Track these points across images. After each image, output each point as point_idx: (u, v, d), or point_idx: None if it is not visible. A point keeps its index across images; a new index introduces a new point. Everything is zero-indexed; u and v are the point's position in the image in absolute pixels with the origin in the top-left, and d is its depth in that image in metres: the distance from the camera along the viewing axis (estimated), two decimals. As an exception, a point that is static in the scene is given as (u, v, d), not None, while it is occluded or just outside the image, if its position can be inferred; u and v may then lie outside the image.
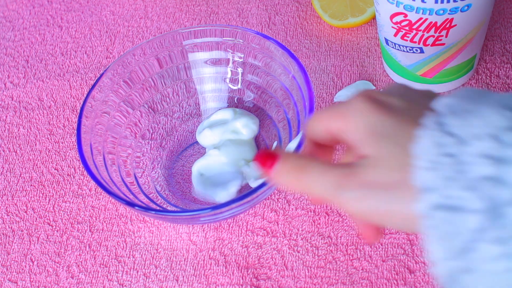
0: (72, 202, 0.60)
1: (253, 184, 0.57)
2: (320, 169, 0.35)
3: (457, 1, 0.52)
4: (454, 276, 0.31)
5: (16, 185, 0.62)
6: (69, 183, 0.61)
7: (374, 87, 0.63)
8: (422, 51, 0.58)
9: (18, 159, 0.64)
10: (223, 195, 0.57)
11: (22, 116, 0.68)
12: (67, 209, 0.60)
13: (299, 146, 0.50)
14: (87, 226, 0.58)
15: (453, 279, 0.31)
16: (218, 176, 0.58)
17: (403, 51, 0.59)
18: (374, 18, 0.69)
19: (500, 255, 0.29)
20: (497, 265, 0.29)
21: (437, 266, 0.31)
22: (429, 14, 0.54)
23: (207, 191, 0.57)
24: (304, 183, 0.36)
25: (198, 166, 0.59)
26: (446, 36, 0.56)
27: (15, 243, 0.58)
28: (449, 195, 0.30)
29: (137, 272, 0.55)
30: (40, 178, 0.62)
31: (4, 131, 0.67)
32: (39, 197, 0.61)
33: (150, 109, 0.61)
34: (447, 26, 0.55)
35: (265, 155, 0.37)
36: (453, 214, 0.30)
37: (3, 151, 0.65)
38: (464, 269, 0.30)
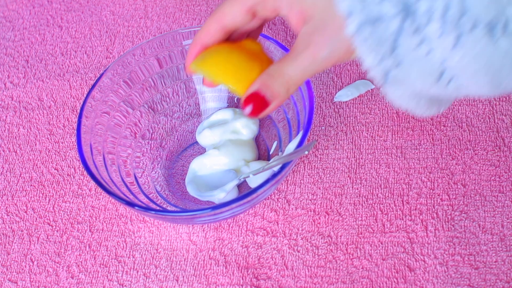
0: (72, 202, 0.60)
1: (253, 184, 0.57)
2: (284, 68, 0.42)
3: None
4: (388, 73, 0.38)
5: (16, 185, 0.62)
6: (69, 183, 0.61)
7: (373, 87, 0.64)
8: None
9: (18, 159, 0.64)
10: (214, 196, 0.57)
11: (22, 116, 0.68)
12: (67, 209, 0.60)
13: (299, 146, 0.50)
14: (87, 226, 0.58)
15: (387, 77, 0.38)
16: (211, 177, 0.58)
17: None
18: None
19: (419, 42, 0.35)
20: (419, 51, 0.36)
21: (372, 70, 0.38)
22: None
23: (199, 191, 0.57)
24: (286, 87, 0.42)
25: (195, 165, 0.59)
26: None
27: (15, 243, 0.58)
28: (368, 11, 0.36)
29: (137, 272, 0.55)
30: (40, 178, 0.62)
31: (4, 131, 0.67)
32: (39, 197, 0.61)
33: (150, 109, 0.61)
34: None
35: (248, 101, 0.43)
36: (376, 25, 0.36)
37: (3, 151, 0.65)
38: (394, 65, 0.37)
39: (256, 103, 0.43)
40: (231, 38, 0.47)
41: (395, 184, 0.57)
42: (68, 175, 0.62)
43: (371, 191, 0.57)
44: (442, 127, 0.60)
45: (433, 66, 0.36)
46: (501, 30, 0.34)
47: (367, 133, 0.60)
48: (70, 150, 0.64)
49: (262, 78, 0.43)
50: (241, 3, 0.44)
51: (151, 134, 0.61)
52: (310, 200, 0.57)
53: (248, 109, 0.43)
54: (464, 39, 0.35)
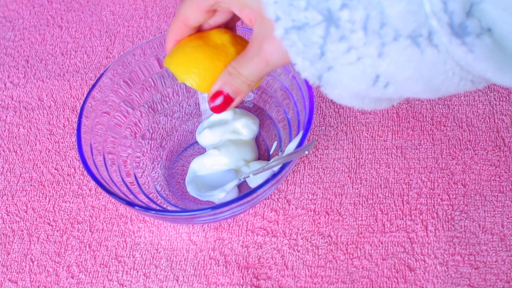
0: (72, 202, 0.60)
1: (253, 184, 0.57)
2: (242, 69, 0.44)
3: None
4: (321, 76, 0.39)
5: (16, 185, 0.62)
6: (69, 183, 0.61)
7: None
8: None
9: (18, 159, 0.64)
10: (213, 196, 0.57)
11: (22, 116, 0.68)
12: (67, 209, 0.60)
13: (299, 146, 0.50)
14: (87, 226, 0.58)
15: (321, 79, 0.39)
16: (211, 177, 0.58)
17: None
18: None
19: (348, 49, 0.36)
20: (349, 57, 0.37)
21: (304, 73, 0.39)
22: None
23: (199, 191, 0.57)
24: (247, 83, 0.45)
25: (195, 165, 0.59)
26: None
27: (15, 243, 0.58)
28: (294, 19, 0.37)
29: (137, 272, 0.55)
30: (40, 178, 0.62)
31: (4, 131, 0.67)
32: (39, 197, 0.61)
33: (150, 109, 0.61)
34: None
35: (213, 98, 0.46)
36: (301, 31, 0.37)
37: (3, 151, 0.65)
38: (325, 69, 0.38)
39: (221, 100, 0.46)
40: (203, 29, 0.49)
41: (395, 184, 0.57)
42: (68, 175, 0.62)
43: (371, 191, 0.57)
44: (442, 127, 0.60)
45: (365, 71, 0.37)
46: (425, 41, 0.34)
47: (367, 133, 0.60)
48: (70, 150, 0.64)
49: (223, 77, 0.45)
50: (197, 5, 0.46)
51: (151, 134, 0.61)
52: (310, 200, 0.57)
53: (213, 105, 0.46)
54: (388, 49, 0.35)
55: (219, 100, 0.46)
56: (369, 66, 0.37)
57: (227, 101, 0.46)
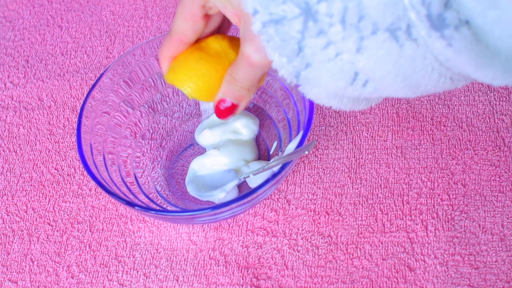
0: (72, 202, 0.60)
1: (253, 185, 0.57)
2: (235, 76, 0.44)
3: None
4: (298, 74, 0.38)
5: (16, 185, 0.62)
6: (69, 183, 0.61)
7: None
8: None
9: (18, 159, 0.64)
10: (213, 196, 0.57)
11: (22, 116, 0.68)
12: (67, 209, 0.60)
13: (299, 146, 0.50)
14: (87, 226, 0.58)
15: (299, 77, 0.39)
16: (211, 177, 0.58)
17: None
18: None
19: (327, 44, 0.36)
20: (327, 53, 0.36)
21: (282, 70, 0.39)
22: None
23: (199, 191, 0.57)
24: (246, 88, 0.45)
25: (195, 165, 0.59)
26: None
27: (15, 243, 0.58)
28: (271, 12, 0.36)
29: (137, 272, 0.55)
30: (40, 178, 0.62)
31: (4, 131, 0.67)
32: (39, 197, 0.61)
33: (150, 109, 0.61)
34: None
35: (218, 105, 0.47)
36: (279, 25, 0.36)
37: (3, 151, 0.65)
38: (302, 65, 0.37)
39: (225, 107, 0.47)
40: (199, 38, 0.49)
41: (395, 184, 0.57)
42: (68, 175, 0.62)
43: (371, 191, 0.57)
44: (442, 127, 0.60)
45: (343, 68, 0.37)
46: (404, 35, 0.34)
47: (367, 133, 0.60)
48: (70, 150, 0.64)
49: (223, 86, 0.46)
50: (191, 14, 0.45)
51: (151, 134, 0.61)
52: (310, 200, 0.57)
53: (219, 113, 0.47)
54: (367, 42, 0.35)
55: (223, 108, 0.46)
56: (347, 63, 0.36)
57: (232, 108, 0.46)
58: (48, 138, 0.65)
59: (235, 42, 0.48)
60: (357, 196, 0.56)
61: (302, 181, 0.58)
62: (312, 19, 0.35)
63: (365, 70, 0.36)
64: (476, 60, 0.34)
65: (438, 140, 0.59)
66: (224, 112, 0.47)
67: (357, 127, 0.61)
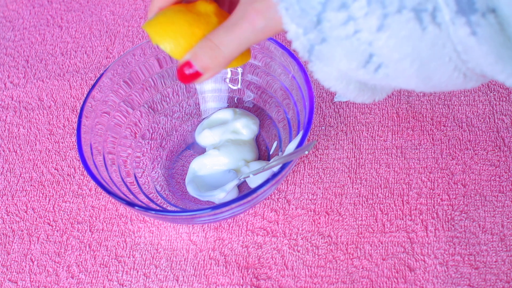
0: (72, 202, 0.60)
1: (253, 185, 0.57)
2: (219, 39, 0.41)
3: None
4: (312, 48, 0.37)
5: (16, 185, 0.62)
6: (69, 183, 0.61)
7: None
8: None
9: (18, 159, 0.64)
10: (213, 196, 0.57)
11: (22, 116, 0.68)
12: (67, 209, 0.60)
13: (299, 146, 0.50)
14: (87, 226, 0.58)
15: (311, 52, 0.37)
16: (210, 177, 0.58)
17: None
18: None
19: (347, 20, 0.34)
20: (346, 29, 0.35)
21: (296, 42, 0.37)
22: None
23: (199, 191, 0.58)
24: (218, 61, 0.41)
25: (195, 165, 0.59)
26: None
27: (15, 243, 0.58)
28: None
29: (137, 272, 0.55)
30: (40, 178, 0.62)
31: (4, 131, 0.67)
32: (39, 197, 0.61)
33: (150, 109, 0.61)
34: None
35: (181, 68, 0.42)
36: None
37: (3, 151, 0.65)
38: (318, 39, 0.36)
39: (188, 73, 0.43)
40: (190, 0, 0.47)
41: (395, 184, 0.57)
42: (68, 175, 0.62)
43: (371, 191, 0.57)
44: (442, 127, 0.60)
45: (359, 47, 0.35)
46: (429, 18, 0.33)
47: (367, 133, 0.60)
48: (70, 150, 0.64)
49: (195, 49, 0.42)
50: None
51: (151, 134, 0.61)
52: (310, 200, 0.57)
53: (180, 76, 0.43)
54: (390, 21, 0.34)
55: (186, 72, 0.43)
56: (364, 43, 0.35)
57: (195, 75, 0.43)
58: (48, 138, 0.65)
59: (223, 13, 0.46)
60: (357, 196, 0.56)
61: (302, 181, 0.58)
62: None
63: (382, 52, 0.35)
64: (497, 51, 0.33)
65: (438, 140, 0.59)
66: (187, 77, 0.43)
67: (357, 127, 0.61)
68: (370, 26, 0.34)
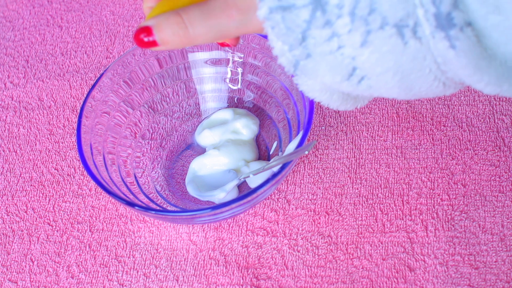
0: (72, 202, 0.60)
1: (253, 185, 0.57)
2: (192, 18, 0.39)
3: None
4: (297, 64, 0.38)
5: (16, 185, 0.62)
6: (69, 183, 0.61)
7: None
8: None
9: (18, 159, 0.64)
10: (213, 196, 0.57)
11: (22, 116, 0.68)
12: (67, 209, 0.60)
13: (299, 146, 0.50)
14: (87, 226, 0.58)
15: (297, 67, 0.38)
16: (210, 177, 0.58)
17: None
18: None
19: (331, 36, 0.35)
20: (330, 45, 0.36)
21: (282, 58, 0.38)
22: None
23: (199, 191, 0.58)
24: (180, 39, 0.40)
25: (195, 165, 0.59)
26: None
27: (15, 243, 0.58)
28: None
29: (137, 272, 0.55)
30: (40, 178, 0.62)
31: (4, 131, 0.67)
32: (39, 197, 0.61)
33: (150, 109, 0.61)
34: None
35: (140, 32, 0.40)
36: (287, 12, 0.36)
37: (3, 151, 0.65)
38: (303, 56, 0.37)
39: (147, 40, 0.41)
40: None
41: (395, 184, 0.57)
42: (68, 175, 0.62)
43: (371, 191, 0.57)
44: (442, 127, 0.60)
45: (342, 62, 0.36)
46: (410, 33, 0.34)
47: (367, 133, 0.60)
48: (70, 150, 0.64)
49: (160, 18, 0.40)
50: None
51: (151, 134, 0.61)
52: (310, 200, 0.57)
53: (136, 39, 0.41)
54: (373, 37, 0.35)
55: (144, 38, 0.40)
56: (347, 57, 0.36)
57: (151, 43, 0.41)
58: (48, 138, 0.65)
59: None
60: (357, 196, 0.56)
61: (302, 181, 0.58)
62: (320, 9, 0.35)
63: (364, 66, 0.36)
64: (475, 62, 0.34)
65: (438, 140, 0.59)
66: (143, 43, 0.41)
67: (357, 127, 0.61)
68: (353, 42, 0.35)
